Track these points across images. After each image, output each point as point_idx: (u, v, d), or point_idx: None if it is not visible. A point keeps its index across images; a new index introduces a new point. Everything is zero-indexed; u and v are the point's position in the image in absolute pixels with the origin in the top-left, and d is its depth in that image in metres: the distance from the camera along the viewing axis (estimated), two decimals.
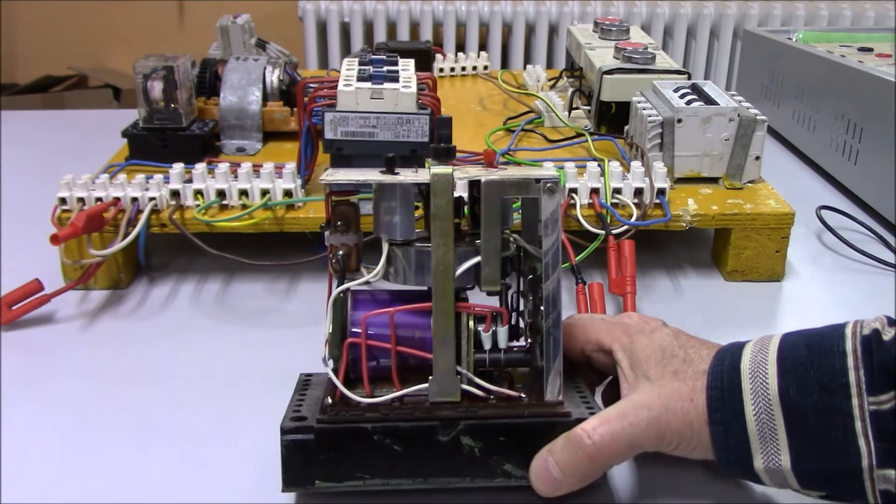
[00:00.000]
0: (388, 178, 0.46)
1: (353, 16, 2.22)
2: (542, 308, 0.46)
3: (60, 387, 0.57)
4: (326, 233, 0.48)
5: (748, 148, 0.75)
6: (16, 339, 0.63)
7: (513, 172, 0.46)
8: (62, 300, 0.66)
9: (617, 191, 0.71)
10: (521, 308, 0.49)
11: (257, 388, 0.56)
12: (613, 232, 0.67)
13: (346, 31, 2.27)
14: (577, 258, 0.66)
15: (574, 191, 0.70)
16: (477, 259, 0.46)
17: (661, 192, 0.71)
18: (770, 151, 1.00)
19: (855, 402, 0.38)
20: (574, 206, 0.69)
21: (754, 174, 0.76)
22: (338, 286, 0.47)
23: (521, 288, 0.49)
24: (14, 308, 0.64)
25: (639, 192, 0.71)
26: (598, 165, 0.71)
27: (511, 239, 0.48)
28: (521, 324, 0.49)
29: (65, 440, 0.52)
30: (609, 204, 0.70)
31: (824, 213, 0.82)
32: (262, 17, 1.74)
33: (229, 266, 0.72)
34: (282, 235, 0.70)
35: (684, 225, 0.70)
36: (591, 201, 0.70)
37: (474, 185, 0.47)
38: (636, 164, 0.71)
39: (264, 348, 0.62)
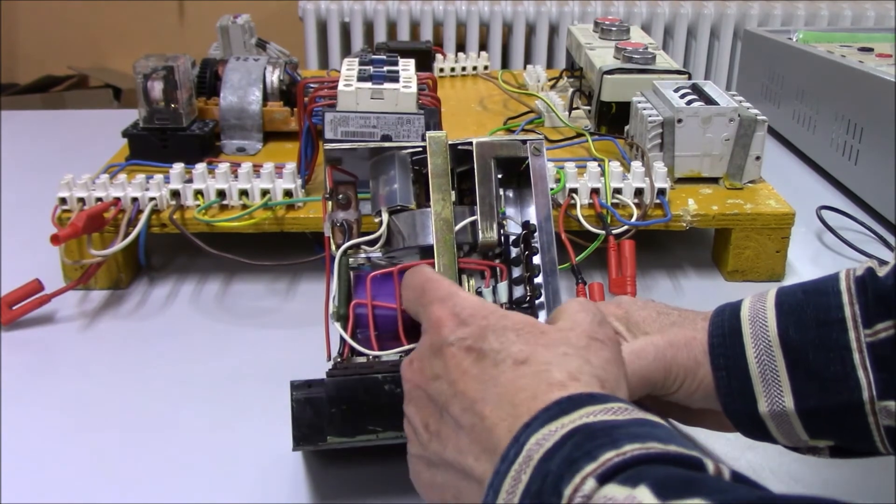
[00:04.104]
0: (385, 144, 0.49)
1: (353, 16, 2.22)
2: (536, 258, 0.48)
3: (60, 387, 0.57)
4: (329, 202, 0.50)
5: (748, 148, 0.75)
6: (16, 339, 0.63)
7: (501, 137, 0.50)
8: (62, 300, 0.66)
9: (617, 191, 0.71)
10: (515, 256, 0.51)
11: (257, 388, 0.56)
12: (614, 232, 0.67)
13: (346, 31, 2.27)
14: (577, 258, 0.66)
15: (574, 191, 0.70)
16: (474, 217, 0.48)
17: (662, 192, 0.71)
18: (770, 151, 1.00)
19: (852, 335, 0.39)
20: (574, 206, 0.69)
21: (754, 174, 0.76)
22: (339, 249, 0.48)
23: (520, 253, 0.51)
24: (14, 308, 0.64)
25: (639, 192, 0.71)
26: (599, 165, 0.71)
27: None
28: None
29: (65, 440, 0.52)
30: (609, 204, 0.70)
31: (824, 213, 0.82)
32: (262, 17, 1.74)
33: (229, 266, 0.72)
34: (282, 235, 0.70)
35: (684, 225, 0.70)
36: (591, 201, 0.70)
37: (465, 155, 0.50)
38: (636, 164, 0.71)
39: (264, 348, 0.62)
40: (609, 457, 0.28)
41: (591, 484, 0.27)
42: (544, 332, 0.36)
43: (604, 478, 0.27)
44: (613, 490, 0.27)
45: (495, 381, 0.34)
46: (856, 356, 0.39)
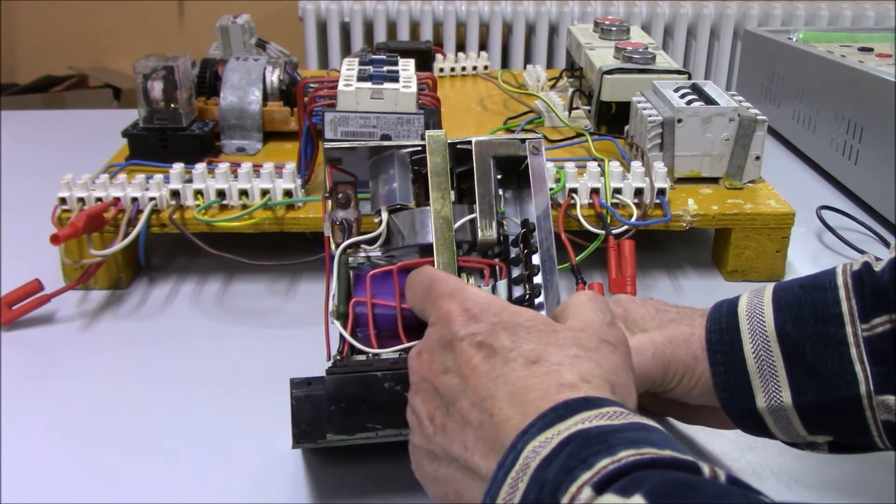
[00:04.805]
0: (385, 144, 0.49)
1: (353, 16, 2.22)
2: (535, 257, 0.48)
3: (60, 387, 0.57)
4: (328, 202, 0.50)
5: (748, 148, 0.75)
6: (16, 339, 0.63)
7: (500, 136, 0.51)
8: (62, 300, 0.66)
9: (617, 191, 0.71)
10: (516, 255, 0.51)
11: (257, 388, 0.56)
12: (613, 232, 0.67)
13: (346, 31, 2.27)
14: (577, 258, 0.66)
15: (574, 191, 0.70)
16: (473, 216, 0.48)
17: (662, 192, 0.71)
18: (770, 151, 1.00)
19: (849, 329, 0.39)
20: (574, 206, 0.69)
21: (754, 174, 0.76)
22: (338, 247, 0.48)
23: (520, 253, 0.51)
24: (14, 308, 0.64)
25: (639, 192, 0.71)
26: (599, 165, 0.71)
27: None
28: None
29: (65, 440, 0.52)
30: (609, 204, 0.70)
31: (824, 213, 0.82)
32: (262, 17, 1.75)
33: (229, 266, 0.72)
34: (282, 235, 0.70)
35: (684, 225, 0.70)
36: (591, 201, 0.70)
37: (464, 155, 0.50)
38: (636, 164, 0.71)
39: (264, 348, 0.62)
40: (604, 464, 0.28)
41: (587, 493, 0.27)
42: (555, 331, 0.36)
43: (600, 486, 0.27)
44: (610, 499, 0.27)
45: (505, 379, 0.34)
46: (853, 351, 0.39)
